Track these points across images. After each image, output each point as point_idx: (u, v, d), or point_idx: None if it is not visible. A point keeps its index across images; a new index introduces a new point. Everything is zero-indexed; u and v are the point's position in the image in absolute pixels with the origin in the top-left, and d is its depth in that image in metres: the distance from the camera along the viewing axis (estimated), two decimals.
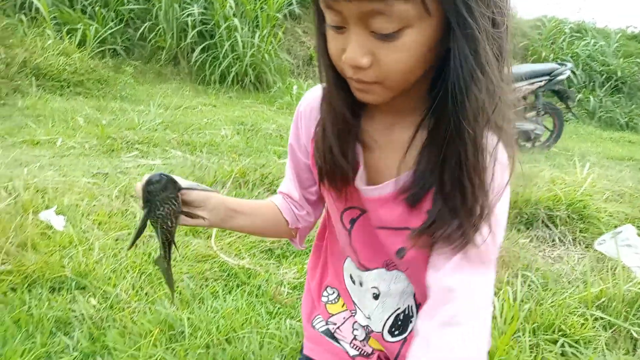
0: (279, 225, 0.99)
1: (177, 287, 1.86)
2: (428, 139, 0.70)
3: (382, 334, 1.02)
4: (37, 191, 2.46)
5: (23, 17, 5.76)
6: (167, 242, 0.82)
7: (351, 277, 1.05)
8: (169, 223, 0.78)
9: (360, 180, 0.80)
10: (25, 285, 1.77)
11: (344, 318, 1.14)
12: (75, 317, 1.65)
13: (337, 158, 0.78)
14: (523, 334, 1.71)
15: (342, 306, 1.15)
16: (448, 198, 0.66)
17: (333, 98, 0.74)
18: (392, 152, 0.77)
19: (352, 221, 0.89)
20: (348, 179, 0.81)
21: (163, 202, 0.76)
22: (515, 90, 0.67)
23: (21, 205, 2.28)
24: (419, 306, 0.96)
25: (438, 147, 0.66)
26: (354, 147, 0.79)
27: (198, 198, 0.82)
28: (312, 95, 0.92)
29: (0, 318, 1.59)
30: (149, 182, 0.76)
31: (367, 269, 0.95)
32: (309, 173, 0.95)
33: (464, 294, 0.67)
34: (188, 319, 1.64)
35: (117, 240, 2.14)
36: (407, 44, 0.59)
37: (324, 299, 1.17)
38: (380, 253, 0.89)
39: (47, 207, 2.29)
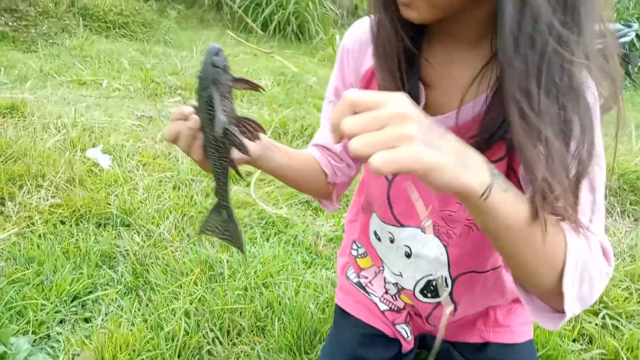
0: (317, 178, 0.95)
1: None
2: (497, 83, 0.65)
3: (414, 293, 1.01)
4: (85, 129, 2.52)
5: None
6: (222, 170, 0.67)
7: (375, 234, 1.02)
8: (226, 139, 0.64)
9: None
10: (74, 219, 1.84)
11: (375, 273, 1.13)
12: (120, 252, 1.71)
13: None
14: None
15: (370, 262, 1.14)
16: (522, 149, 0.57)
17: (388, 28, 0.69)
18: (454, 89, 0.72)
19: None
20: None
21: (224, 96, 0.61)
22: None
23: (70, 141, 2.34)
24: (454, 280, 0.93)
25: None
26: (416, 83, 0.74)
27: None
28: (359, 30, 0.86)
29: (51, 248, 1.66)
30: (214, 52, 0.60)
31: (402, 225, 0.92)
32: None
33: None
34: (227, 261, 1.68)
35: (160, 181, 2.18)
36: None
37: (354, 252, 1.16)
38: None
39: (94, 146, 2.35)
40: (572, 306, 0.60)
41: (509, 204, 0.54)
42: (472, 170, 0.50)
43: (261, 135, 0.68)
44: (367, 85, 0.84)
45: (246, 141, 0.64)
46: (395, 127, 0.45)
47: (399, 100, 0.47)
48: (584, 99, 0.57)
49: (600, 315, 1.64)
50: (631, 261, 1.98)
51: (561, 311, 0.62)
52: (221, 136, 0.63)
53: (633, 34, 4.70)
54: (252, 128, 0.65)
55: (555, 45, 0.52)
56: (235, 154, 0.67)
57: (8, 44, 4.10)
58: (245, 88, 0.64)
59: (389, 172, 0.45)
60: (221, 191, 0.70)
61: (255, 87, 0.64)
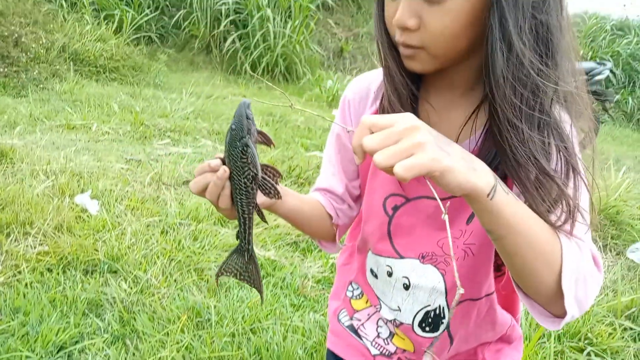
0: (322, 220, 0.99)
1: (207, 275, 1.90)
2: (488, 119, 0.72)
3: (412, 327, 1.03)
4: (73, 175, 2.54)
5: (63, 2, 5.92)
6: (249, 215, 0.70)
7: (372, 271, 1.05)
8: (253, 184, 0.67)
9: None
10: (61, 267, 1.84)
11: (368, 315, 1.15)
12: (107, 299, 1.71)
13: None
14: (548, 340, 1.69)
15: (366, 302, 1.16)
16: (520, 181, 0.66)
17: (392, 75, 0.77)
18: (451, 129, 0.79)
19: (395, 208, 0.90)
20: None
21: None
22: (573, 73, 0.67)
23: (58, 188, 2.36)
24: (452, 310, 0.96)
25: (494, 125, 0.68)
26: None
27: None
28: (359, 84, 0.93)
29: (37, 297, 1.66)
30: (247, 106, 0.66)
31: (402, 257, 0.96)
32: (355, 164, 0.95)
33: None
34: (215, 306, 1.68)
35: (148, 226, 2.20)
36: (453, 10, 0.63)
37: (349, 294, 1.18)
38: (418, 244, 0.90)
39: (82, 191, 2.37)
40: (572, 307, 0.64)
41: (511, 204, 0.60)
42: (479, 172, 0.57)
43: None
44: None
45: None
46: (409, 138, 0.52)
47: (408, 117, 0.55)
48: (563, 129, 0.66)
49: (586, 352, 1.66)
50: (614, 296, 2.01)
51: (560, 316, 0.67)
52: (251, 183, 0.67)
53: (607, 72, 4.89)
54: (272, 174, 0.70)
55: (539, 83, 0.62)
56: (258, 199, 0.71)
57: None
58: (260, 141, 0.70)
59: (412, 176, 0.51)
60: (246, 235, 0.73)
61: (269, 141, 0.71)
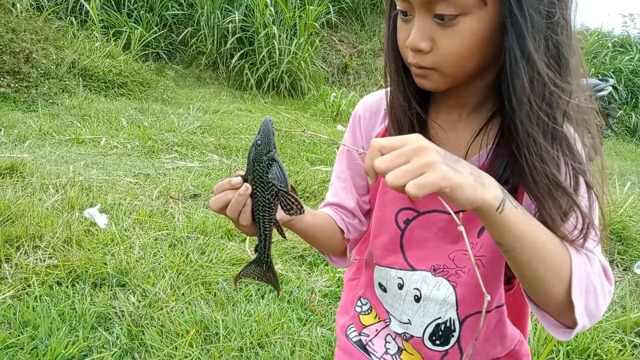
0: (335, 235, 1.00)
1: (215, 288, 1.91)
2: (497, 135, 0.74)
3: (423, 340, 1.03)
4: (82, 189, 2.57)
5: (73, 19, 6.03)
6: (270, 231, 0.72)
7: (380, 285, 1.06)
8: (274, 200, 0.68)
9: None
10: (70, 280, 1.85)
11: (377, 330, 1.16)
12: (116, 313, 1.72)
13: None
14: (557, 356, 1.68)
15: (375, 317, 1.16)
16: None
17: (400, 96, 0.79)
18: (461, 146, 0.81)
19: (407, 221, 0.91)
20: None
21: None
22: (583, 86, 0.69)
23: (67, 201, 2.38)
24: (462, 323, 0.97)
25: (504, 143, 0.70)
26: None
27: None
28: (370, 101, 0.95)
29: (47, 311, 1.67)
30: (271, 122, 0.68)
31: (414, 269, 0.97)
32: (365, 179, 0.97)
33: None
34: (222, 320, 1.69)
35: (156, 239, 2.21)
36: (464, 31, 0.65)
37: (357, 309, 1.18)
38: (431, 256, 0.91)
39: (91, 205, 2.39)
40: (582, 318, 0.65)
41: (519, 216, 0.62)
42: (488, 187, 0.59)
43: None
44: None
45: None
46: (419, 158, 0.55)
47: (416, 138, 0.58)
48: (573, 143, 0.69)
49: None
50: (622, 312, 2.00)
51: (571, 326, 0.68)
52: (274, 199, 0.68)
53: (610, 88, 4.93)
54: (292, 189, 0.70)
55: (556, 99, 0.65)
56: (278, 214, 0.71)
57: (9, 105, 4.22)
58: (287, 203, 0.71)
59: (423, 194, 0.54)
60: (266, 249, 0.75)
61: (299, 208, 0.71)
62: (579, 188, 0.68)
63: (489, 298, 0.59)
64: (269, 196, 0.68)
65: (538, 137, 0.65)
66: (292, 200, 0.69)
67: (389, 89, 0.83)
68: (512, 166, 0.70)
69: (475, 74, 0.72)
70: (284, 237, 0.77)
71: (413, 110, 0.79)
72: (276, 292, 0.83)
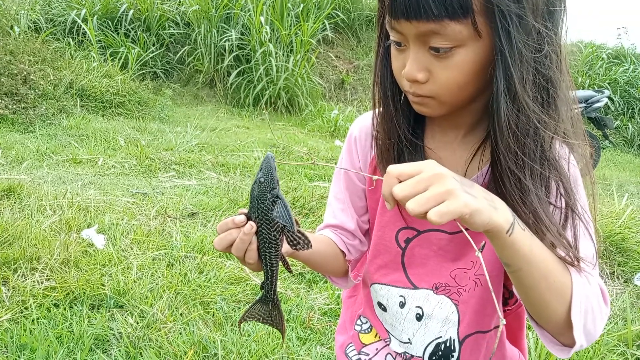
0: (336, 258, 1.00)
1: (213, 308, 1.89)
2: (491, 157, 0.75)
3: (423, 359, 1.02)
4: (80, 209, 2.56)
5: (71, 40, 6.08)
6: (276, 266, 0.71)
7: (380, 305, 1.05)
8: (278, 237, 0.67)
9: None
10: (67, 302, 1.84)
11: (377, 349, 1.15)
12: (113, 335, 1.70)
13: None
14: None
15: (375, 336, 1.15)
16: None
17: (395, 120, 0.80)
18: (457, 167, 0.82)
19: (408, 240, 0.91)
20: None
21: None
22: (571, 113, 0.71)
23: (65, 222, 2.38)
24: (462, 343, 0.96)
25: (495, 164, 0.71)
26: None
27: None
28: (365, 121, 0.96)
29: (44, 334, 1.66)
30: (273, 159, 0.67)
31: (416, 287, 0.96)
32: (364, 200, 0.97)
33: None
34: (221, 341, 1.67)
35: (154, 259, 2.20)
36: (460, 62, 0.66)
37: (357, 328, 1.17)
38: (432, 274, 0.91)
39: (89, 226, 2.39)
40: (580, 337, 0.67)
41: (527, 238, 0.63)
42: (500, 211, 0.60)
43: None
44: (374, 170, 0.93)
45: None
46: (438, 185, 0.56)
47: (432, 165, 0.59)
48: (561, 165, 0.70)
49: None
50: (624, 325, 1.99)
51: (569, 345, 0.70)
52: (280, 235, 0.67)
53: (605, 99, 4.97)
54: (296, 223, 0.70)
55: (540, 131, 0.66)
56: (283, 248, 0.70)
57: (7, 126, 4.23)
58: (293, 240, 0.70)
59: (445, 221, 0.55)
60: (272, 285, 0.72)
61: (306, 243, 0.71)
62: (567, 220, 0.70)
63: (504, 322, 0.60)
64: (275, 233, 0.67)
65: (519, 172, 0.67)
66: (300, 236, 0.69)
67: (377, 111, 0.84)
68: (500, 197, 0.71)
69: (471, 99, 0.74)
70: (290, 271, 0.76)
71: (402, 135, 0.81)
72: (281, 336, 0.80)
